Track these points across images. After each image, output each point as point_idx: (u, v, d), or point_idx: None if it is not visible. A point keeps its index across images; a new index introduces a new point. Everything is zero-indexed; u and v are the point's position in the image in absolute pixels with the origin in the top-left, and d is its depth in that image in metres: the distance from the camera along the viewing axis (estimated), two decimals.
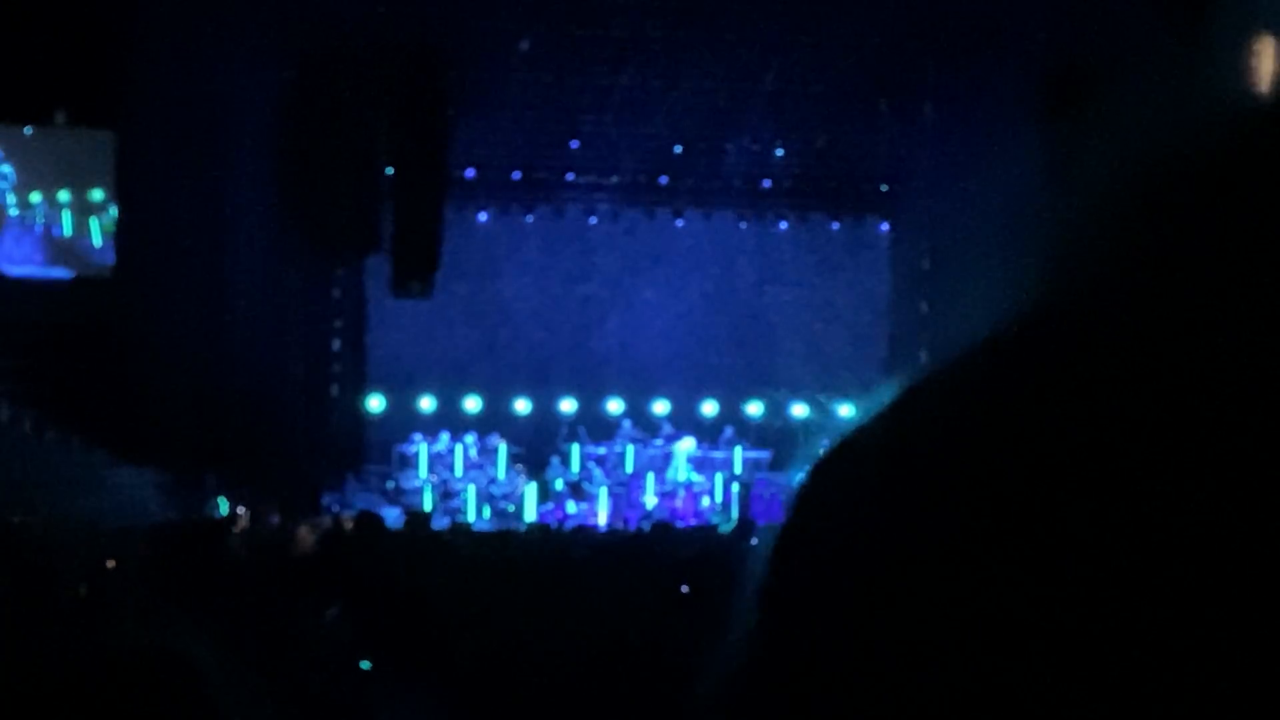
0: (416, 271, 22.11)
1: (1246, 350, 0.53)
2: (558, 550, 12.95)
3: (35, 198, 20.39)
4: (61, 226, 20.37)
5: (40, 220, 20.40)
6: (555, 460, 23.80)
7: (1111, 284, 0.57)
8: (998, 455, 0.56)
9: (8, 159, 20.26)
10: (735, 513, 22.48)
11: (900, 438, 0.60)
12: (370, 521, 12.42)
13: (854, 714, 0.56)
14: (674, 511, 22.39)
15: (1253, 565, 0.52)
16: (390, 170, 22.14)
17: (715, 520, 21.63)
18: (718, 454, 24.14)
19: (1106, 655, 0.52)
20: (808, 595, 0.59)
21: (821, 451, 0.62)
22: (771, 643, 0.60)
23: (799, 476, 0.62)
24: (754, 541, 0.64)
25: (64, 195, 20.42)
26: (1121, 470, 0.54)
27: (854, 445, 0.62)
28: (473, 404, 24.84)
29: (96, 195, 20.22)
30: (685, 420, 24.75)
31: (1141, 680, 0.52)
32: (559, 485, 23.47)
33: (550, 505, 22.93)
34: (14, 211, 20.34)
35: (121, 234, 20.19)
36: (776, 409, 25.21)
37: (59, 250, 20.37)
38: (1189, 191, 0.57)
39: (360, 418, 24.00)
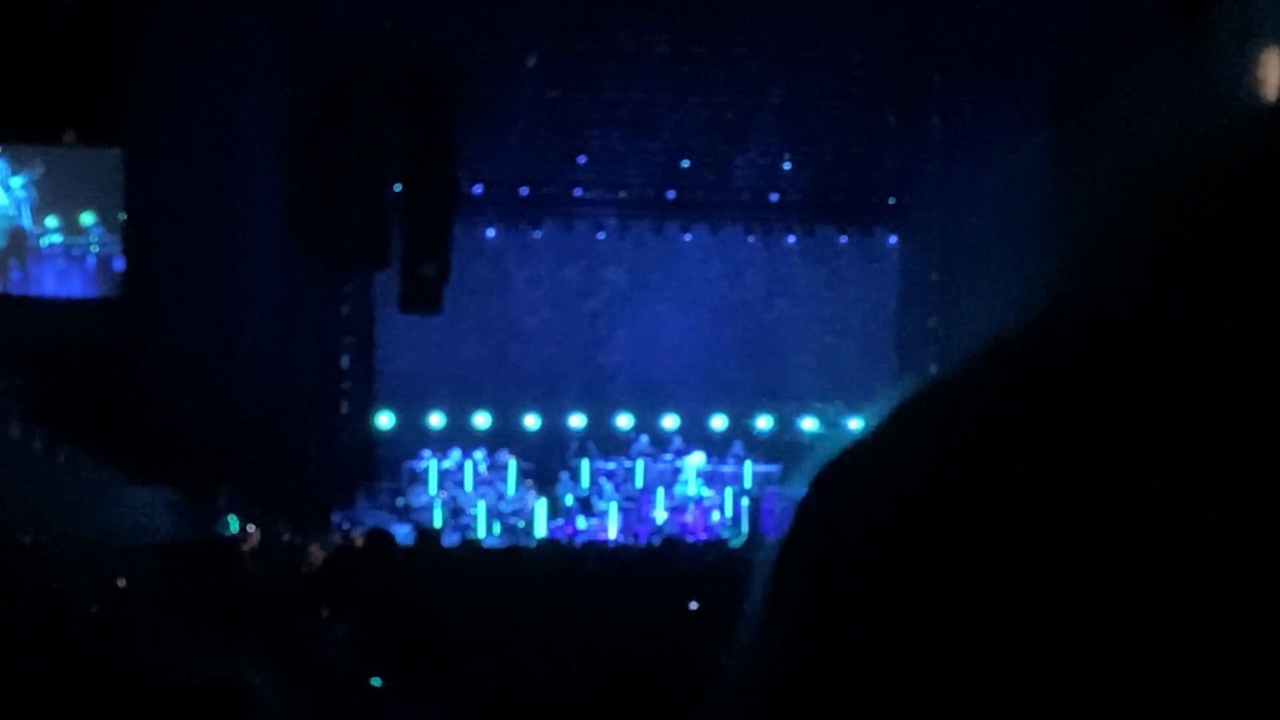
0: (425, 288, 22.13)
1: (1255, 356, 0.53)
2: (568, 566, 12.95)
3: (52, 221, 20.44)
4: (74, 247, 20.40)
5: (59, 241, 20.44)
6: (565, 476, 23.79)
7: (1119, 293, 0.57)
8: (1002, 465, 0.56)
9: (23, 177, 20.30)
10: (745, 527, 22.45)
11: (902, 450, 0.59)
12: (380, 538, 12.43)
13: None
14: (684, 526, 22.37)
15: (1268, 566, 0.52)
16: (398, 187, 22.16)
17: (725, 535, 21.60)
18: (727, 468, 24.11)
19: (1120, 667, 0.52)
20: (809, 608, 0.59)
21: (822, 464, 0.62)
22: (773, 657, 0.60)
23: (801, 490, 0.62)
24: (759, 556, 0.64)
25: (74, 216, 20.45)
26: (1129, 479, 0.53)
27: (855, 457, 0.62)
28: (482, 420, 24.83)
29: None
30: (695, 434, 24.73)
31: (1161, 688, 0.52)
32: (569, 501, 23.45)
33: (560, 521, 22.90)
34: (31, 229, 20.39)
35: (131, 251, 20.22)
36: (786, 423, 25.19)
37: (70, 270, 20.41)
38: (1196, 199, 0.57)
39: (370, 434, 23.99)
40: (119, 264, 20.38)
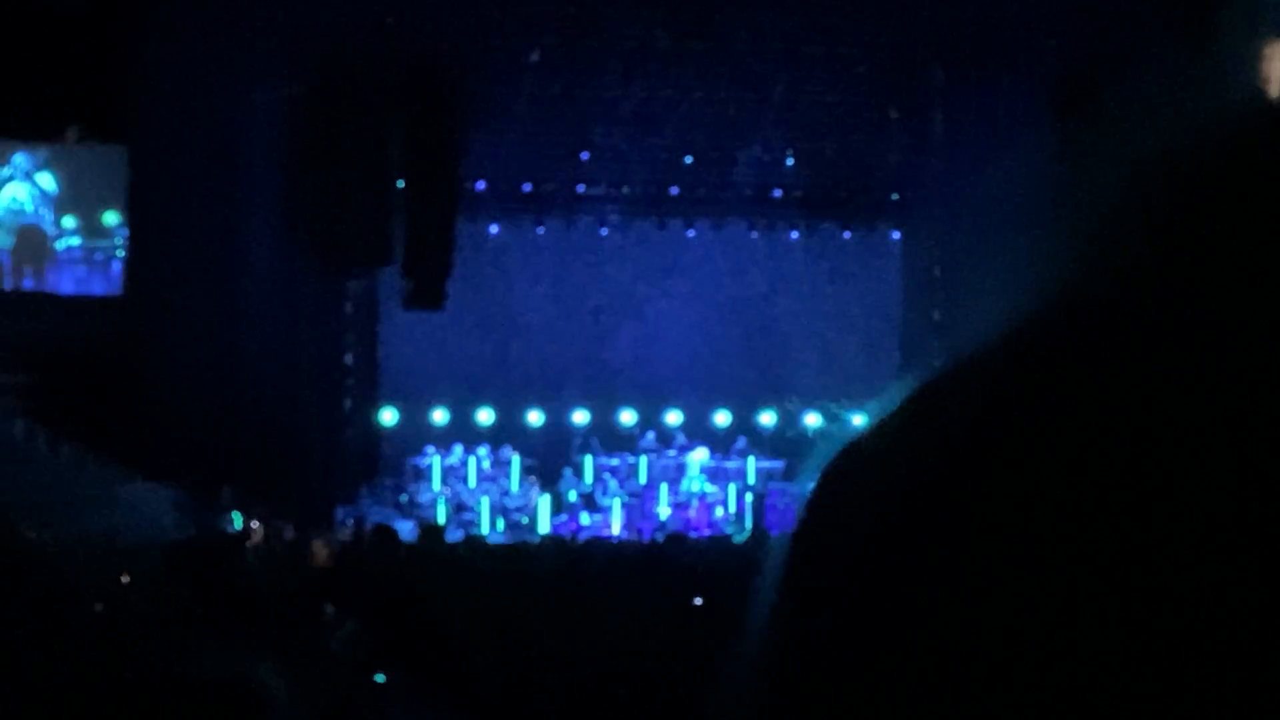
0: (428, 284, 22.14)
1: (1259, 354, 0.53)
2: (571, 562, 12.95)
3: (70, 221, 20.46)
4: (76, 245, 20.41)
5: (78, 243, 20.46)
6: (568, 472, 23.79)
7: (1125, 287, 0.57)
8: (1009, 457, 0.56)
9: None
10: (749, 523, 22.46)
11: (910, 441, 0.60)
12: (384, 535, 12.44)
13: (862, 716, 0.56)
14: (687, 522, 22.37)
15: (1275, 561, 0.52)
16: (401, 183, 22.16)
17: (729, 530, 21.61)
18: (731, 464, 24.12)
19: (1126, 658, 0.52)
20: (818, 601, 0.59)
21: (830, 457, 0.63)
22: (784, 648, 0.60)
23: (808, 483, 0.63)
24: (767, 552, 0.64)
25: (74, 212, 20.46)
26: (1136, 472, 0.54)
27: (863, 449, 0.62)
28: (485, 416, 24.84)
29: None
30: (698, 430, 24.73)
31: (1167, 682, 0.52)
32: (572, 497, 23.45)
33: (564, 517, 22.91)
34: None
35: (134, 249, 20.23)
36: (789, 418, 25.19)
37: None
38: (1199, 196, 0.58)
39: (373, 431, 24.00)
40: (117, 264, 20.39)
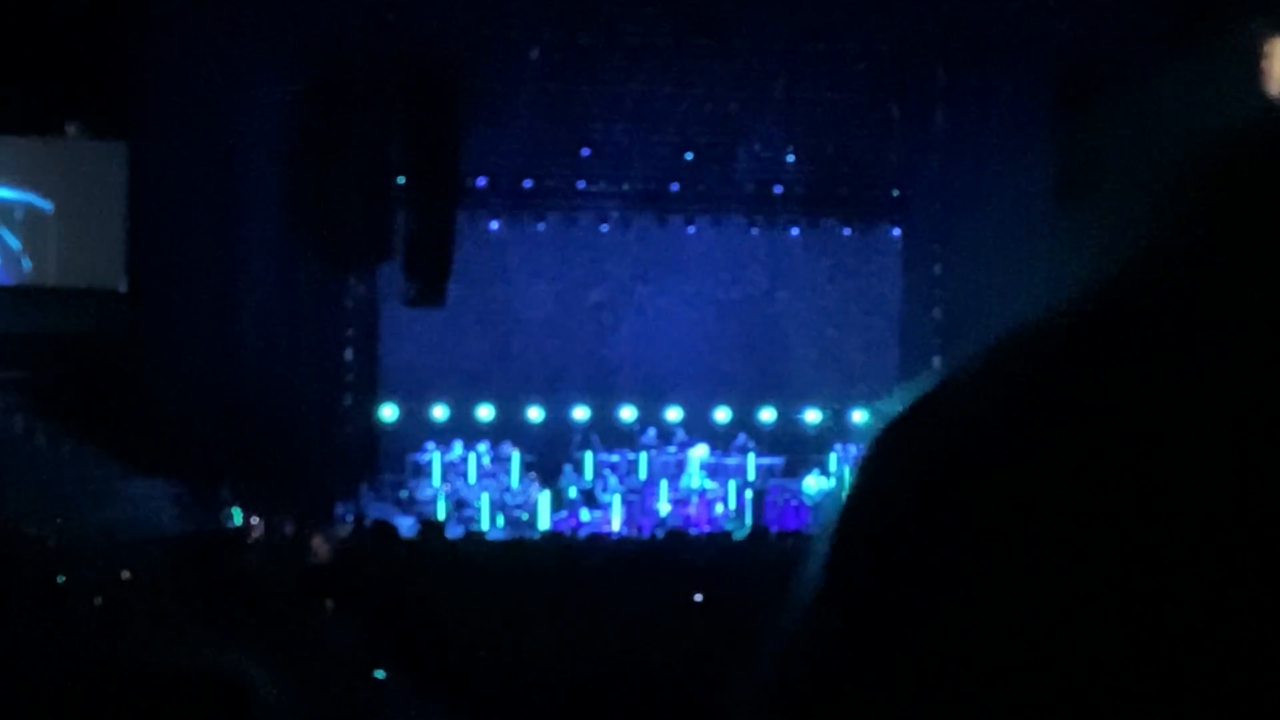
0: (428, 280, 22.13)
1: (1268, 344, 0.53)
2: (571, 558, 12.95)
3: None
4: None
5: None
6: (568, 468, 23.79)
7: (1125, 285, 0.57)
8: (1062, 431, 0.56)
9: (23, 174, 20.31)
10: (749, 519, 22.45)
11: (966, 408, 0.60)
12: (384, 531, 12.44)
13: (913, 683, 0.57)
14: (687, 518, 22.37)
15: None
16: (401, 179, 22.14)
17: (729, 527, 21.61)
18: (731, 460, 24.11)
19: (1139, 650, 0.53)
20: (874, 561, 0.60)
21: (887, 420, 0.63)
22: (837, 610, 0.61)
23: (871, 439, 0.63)
24: (824, 506, 0.64)
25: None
26: (1152, 467, 0.54)
27: (919, 415, 0.62)
28: (485, 412, 24.83)
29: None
30: (698, 427, 24.73)
31: (1182, 674, 0.52)
32: (572, 493, 23.45)
33: (564, 513, 22.91)
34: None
35: (135, 245, 20.22)
36: (789, 415, 25.18)
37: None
38: (1202, 192, 0.57)
39: (373, 427, 23.99)
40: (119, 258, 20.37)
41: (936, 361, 23.43)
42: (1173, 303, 0.56)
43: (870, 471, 0.63)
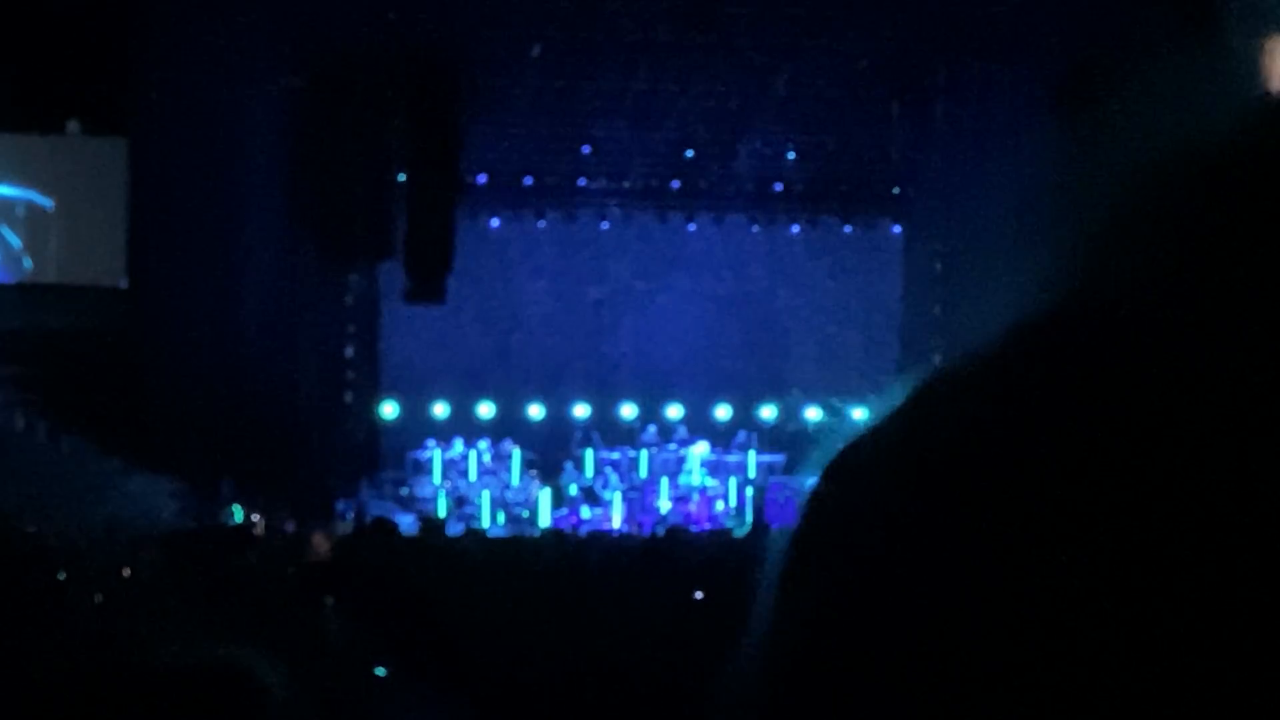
0: (429, 278, 22.14)
1: (1267, 344, 0.53)
2: (572, 556, 12.96)
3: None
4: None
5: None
6: (569, 465, 23.80)
7: (1127, 283, 0.57)
8: (1014, 455, 0.56)
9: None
10: (749, 517, 22.46)
11: (915, 438, 0.59)
12: (385, 528, 12.44)
13: (867, 714, 0.56)
14: (688, 516, 22.37)
15: None
16: (402, 176, 22.15)
17: (729, 524, 21.61)
18: (731, 458, 24.12)
19: (1131, 657, 0.52)
20: (823, 598, 0.59)
21: (834, 452, 0.62)
22: (787, 645, 0.60)
23: (811, 478, 0.62)
24: (768, 547, 0.64)
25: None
26: (1143, 471, 0.53)
27: (867, 445, 0.62)
28: (486, 410, 24.84)
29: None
30: (699, 424, 24.74)
31: (1169, 681, 0.52)
32: (573, 490, 23.46)
33: (564, 510, 22.92)
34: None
35: (135, 242, 20.22)
36: (790, 412, 25.19)
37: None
38: (1204, 190, 0.57)
39: (374, 424, 24.00)
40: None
41: (936, 358, 23.38)
42: (1173, 302, 0.56)
43: (826, 501, 0.62)
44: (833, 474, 0.62)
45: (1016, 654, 0.54)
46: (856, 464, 0.62)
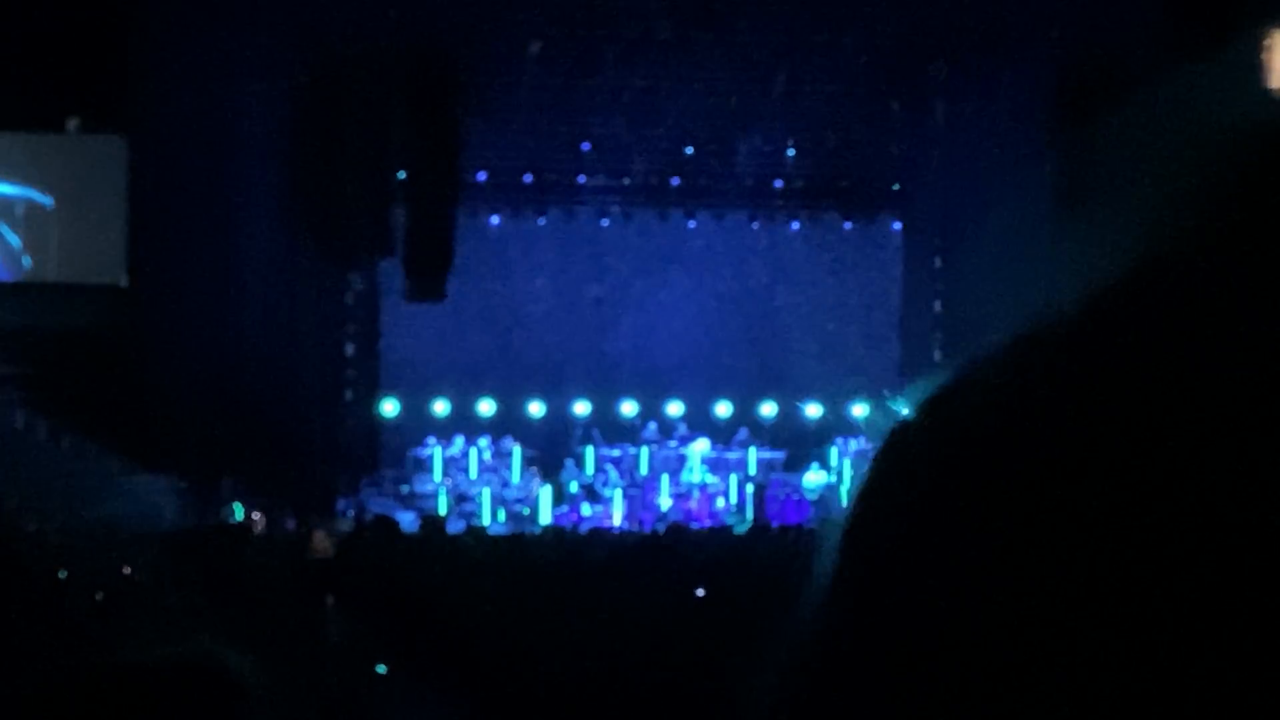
0: (429, 275, 22.14)
1: (1274, 343, 0.53)
2: (572, 553, 12.96)
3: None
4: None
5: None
6: (570, 463, 23.80)
7: (1128, 283, 0.57)
8: (1053, 443, 0.56)
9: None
10: (750, 514, 22.46)
11: (960, 423, 0.60)
12: (385, 526, 12.45)
13: (924, 683, 0.57)
14: (688, 513, 22.38)
15: None
16: (402, 174, 22.15)
17: (730, 521, 21.62)
18: (732, 455, 24.12)
19: (1141, 652, 0.52)
20: (874, 585, 0.59)
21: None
22: (840, 632, 0.60)
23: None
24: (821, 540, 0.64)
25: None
26: (1175, 463, 0.54)
27: (914, 434, 0.62)
28: (486, 407, 24.84)
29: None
30: (699, 421, 24.73)
31: (1207, 670, 0.52)
32: (573, 488, 23.46)
33: (565, 508, 22.92)
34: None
35: (135, 240, 20.23)
36: (790, 409, 25.19)
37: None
38: (1205, 190, 0.57)
39: (374, 422, 24.01)
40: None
41: (936, 355, 23.50)
42: (1177, 301, 0.56)
43: (883, 469, 0.63)
44: (883, 461, 0.63)
45: (1046, 645, 0.54)
46: (906, 450, 0.62)
